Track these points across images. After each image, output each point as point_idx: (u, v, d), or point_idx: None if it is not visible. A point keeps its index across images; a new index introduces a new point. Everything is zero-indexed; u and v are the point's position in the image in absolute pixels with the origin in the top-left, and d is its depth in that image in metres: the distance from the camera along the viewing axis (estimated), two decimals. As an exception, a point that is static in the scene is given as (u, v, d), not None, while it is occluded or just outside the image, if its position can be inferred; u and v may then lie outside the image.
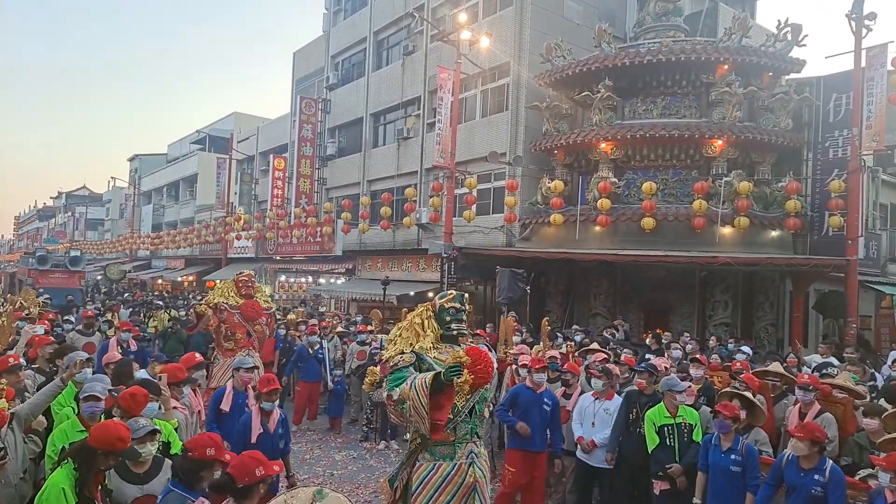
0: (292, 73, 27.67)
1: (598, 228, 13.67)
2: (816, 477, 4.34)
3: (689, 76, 13.86)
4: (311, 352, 9.53)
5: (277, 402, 5.32)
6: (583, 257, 13.60)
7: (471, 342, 4.59)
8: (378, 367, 8.34)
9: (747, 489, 4.91)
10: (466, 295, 4.32)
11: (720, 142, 13.25)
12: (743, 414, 5.37)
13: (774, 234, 13.43)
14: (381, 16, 21.84)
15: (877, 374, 8.56)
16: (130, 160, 49.99)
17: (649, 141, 13.66)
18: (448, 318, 4.09)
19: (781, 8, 64.89)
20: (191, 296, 23.32)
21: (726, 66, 13.40)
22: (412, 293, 17.54)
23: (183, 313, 14.87)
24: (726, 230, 12.86)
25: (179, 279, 33.21)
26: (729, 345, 10.77)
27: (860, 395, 6.15)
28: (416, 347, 4.00)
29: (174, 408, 4.53)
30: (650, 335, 11.34)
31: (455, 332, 4.08)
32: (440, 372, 3.57)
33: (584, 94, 14.46)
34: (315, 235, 20.95)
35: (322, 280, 22.92)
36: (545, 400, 6.14)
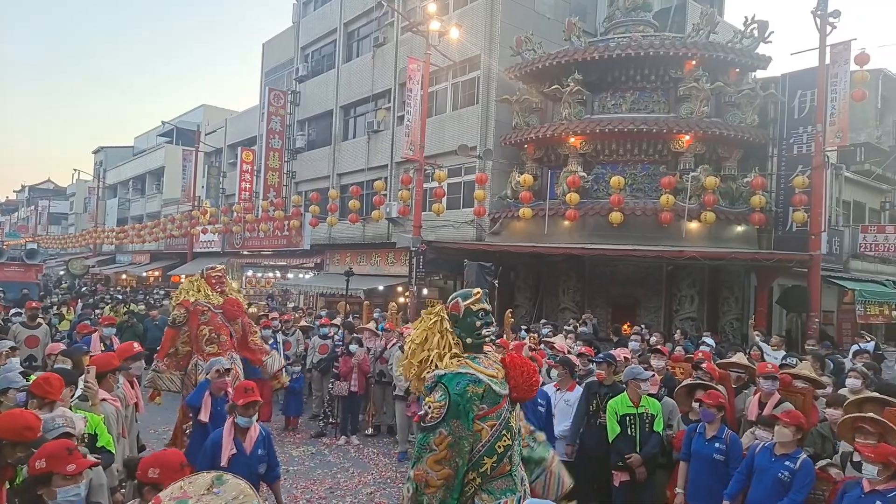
0: (261, 65, 27.20)
1: (566, 223, 13.62)
2: (787, 463, 4.37)
3: (658, 71, 13.87)
4: (263, 347, 9.22)
5: (256, 417, 4.49)
6: (551, 251, 13.54)
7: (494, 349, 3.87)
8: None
9: (732, 478, 4.85)
10: (485, 291, 3.85)
11: (688, 137, 13.30)
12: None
13: (740, 229, 13.52)
14: (351, 7, 21.53)
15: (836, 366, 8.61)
16: (95, 153, 48.72)
17: (618, 135, 13.65)
18: (479, 323, 3.55)
19: (748, 5, 66.14)
20: (155, 291, 22.76)
21: (694, 62, 13.44)
22: (381, 287, 17.34)
23: (142, 307, 14.42)
24: (693, 225, 12.91)
25: (144, 274, 32.46)
26: (703, 337, 10.80)
27: (822, 384, 6.13)
28: (465, 368, 3.42)
29: (103, 399, 4.25)
30: (611, 328, 11.36)
31: (487, 339, 3.59)
32: None
33: (553, 87, 14.39)
34: (283, 229, 20.60)
35: (290, 275, 22.55)
36: (538, 400, 5.64)
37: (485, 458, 3.32)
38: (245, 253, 24.10)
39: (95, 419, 3.82)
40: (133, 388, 5.00)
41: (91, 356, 5.02)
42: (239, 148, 25.95)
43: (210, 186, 28.34)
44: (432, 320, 3.65)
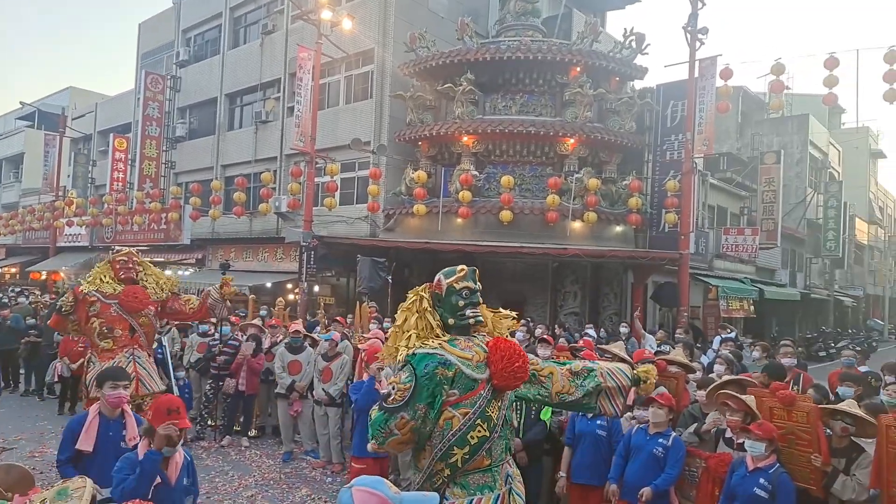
0: (137, 47, 25.35)
1: (459, 220, 13.79)
2: (661, 440, 4.69)
3: (546, 76, 14.38)
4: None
5: (181, 443, 3.68)
6: (443, 248, 13.64)
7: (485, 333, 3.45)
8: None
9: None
10: (477, 270, 3.48)
11: (572, 140, 13.89)
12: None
13: (619, 229, 14.32)
14: (238, -9, 20.58)
15: (703, 355, 9.35)
16: (-61, 135, 43.28)
17: (508, 136, 14.02)
18: (461, 303, 3.24)
19: (628, 18, 70.84)
20: (10, 288, 20.49)
21: (579, 69, 14.07)
22: (268, 284, 16.71)
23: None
24: (576, 224, 13.50)
25: (-2, 271, 29.22)
26: (585, 329, 11.39)
27: (692, 369, 6.58)
28: (430, 348, 3.12)
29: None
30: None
31: (471, 321, 3.25)
32: None
33: (447, 86, 14.52)
34: (160, 222, 19.27)
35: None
36: None
37: (454, 448, 3.05)
38: (117, 248, 22.30)
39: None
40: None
41: None
42: (111, 135, 23.96)
43: (77, 175, 26.06)
44: (411, 299, 3.37)
